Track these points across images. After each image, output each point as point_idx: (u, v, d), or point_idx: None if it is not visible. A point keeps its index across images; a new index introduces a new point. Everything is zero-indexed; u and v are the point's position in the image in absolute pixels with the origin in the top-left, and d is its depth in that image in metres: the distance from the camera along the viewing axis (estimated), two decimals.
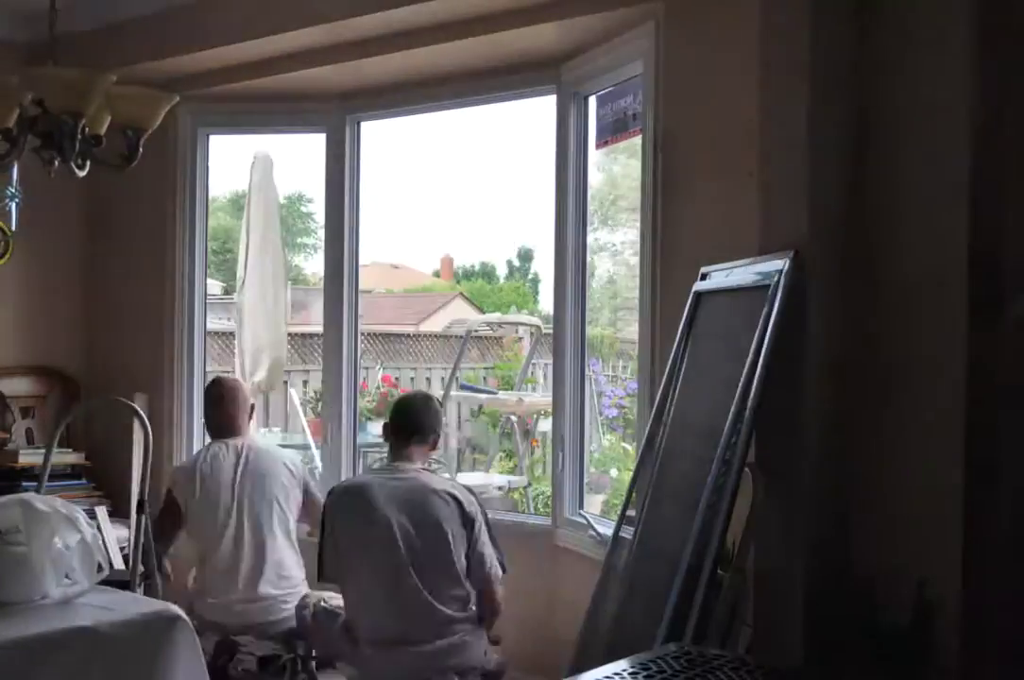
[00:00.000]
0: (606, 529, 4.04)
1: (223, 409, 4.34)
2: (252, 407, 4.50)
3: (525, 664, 4.39)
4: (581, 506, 4.40)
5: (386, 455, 3.96)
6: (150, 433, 4.00)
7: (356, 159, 5.16)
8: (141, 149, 3.32)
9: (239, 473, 4.19)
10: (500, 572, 3.74)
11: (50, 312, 5.43)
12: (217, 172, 5.45)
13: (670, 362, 3.35)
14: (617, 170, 4.75)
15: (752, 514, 2.82)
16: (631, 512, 3.56)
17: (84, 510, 3.83)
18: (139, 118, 3.27)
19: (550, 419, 4.72)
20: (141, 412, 4.10)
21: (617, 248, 4.90)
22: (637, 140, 3.99)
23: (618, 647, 3.19)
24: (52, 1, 3.56)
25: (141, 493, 4.04)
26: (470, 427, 8.26)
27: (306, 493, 4.29)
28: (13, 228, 4.75)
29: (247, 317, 6.43)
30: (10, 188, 4.01)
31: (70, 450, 5.24)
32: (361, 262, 5.23)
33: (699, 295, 3.30)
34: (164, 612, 3.32)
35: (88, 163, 3.30)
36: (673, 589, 2.84)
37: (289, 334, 7.20)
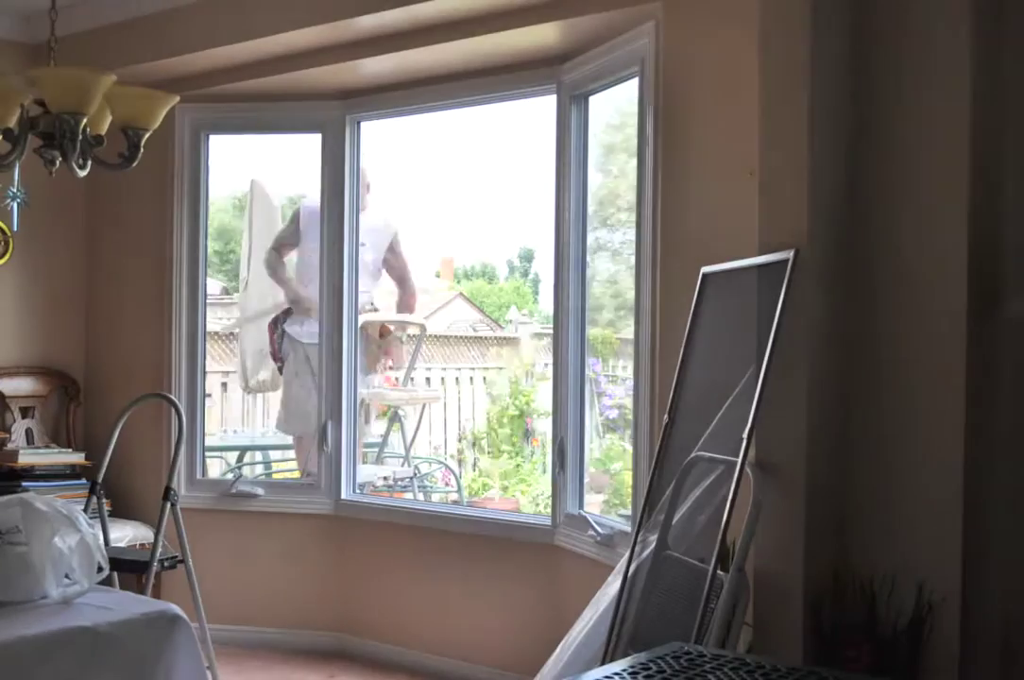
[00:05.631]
0: (606, 529, 4.04)
1: None
2: None
3: (525, 664, 4.39)
4: (581, 506, 4.40)
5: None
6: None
7: (356, 159, 5.16)
8: (142, 149, 3.32)
9: None
10: None
11: (50, 312, 5.44)
12: (217, 172, 5.44)
13: (678, 366, 3.34)
14: (620, 169, 4.74)
15: (752, 514, 2.82)
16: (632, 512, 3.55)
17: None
18: (140, 118, 3.27)
19: (550, 419, 4.72)
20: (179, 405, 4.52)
21: (618, 248, 4.89)
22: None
23: (621, 647, 3.20)
24: (52, 1, 3.56)
25: (169, 479, 4.35)
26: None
27: None
28: (14, 228, 4.75)
29: (250, 317, 6.44)
30: (12, 188, 4.01)
31: (70, 450, 5.24)
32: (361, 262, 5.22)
33: (701, 296, 3.30)
34: (164, 612, 3.32)
35: (89, 163, 3.31)
36: (683, 590, 2.84)
37: None
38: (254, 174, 6.47)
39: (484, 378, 9.51)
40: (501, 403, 8.85)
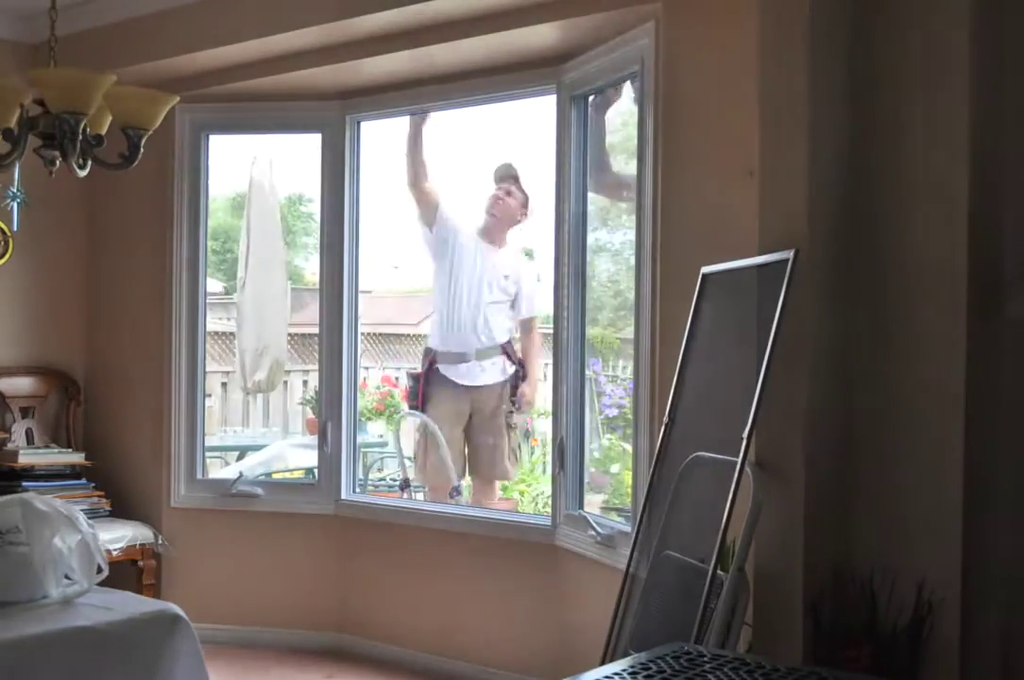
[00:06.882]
0: (606, 529, 4.04)
1: None
2: None
3: (524, 664, 4.39)
4: (581, 506, 4.40)
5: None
6: None
7: (356, 159, 5.16)
8: (142, 149, 3.32)
9: None
10: None
11: (50, 312, 5.43)
12: (217, 172, 5.44)
13: (678, 366, 3.34)
14: (621, 169, 4.75)
15: (752, 514, 2.82)
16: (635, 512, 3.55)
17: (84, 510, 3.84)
18: (140, 118, 3.27)
19: (550, 419, 4.72)
20: None
21: (618, 248, 4.90)
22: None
23: (621, 647, 3.20)
24: (52, 1, 3.56)
25: None
26: None
27: None
28: (14, 228, 4.75)
29: (247, 317, 6.44)
30: (12, 188, 4.01)
31: (70, 450, 5.24)
32: (361, 262, 5.22)
33: (701, 296, 3.30)
34: (164, 612, 3.33)
35: (89, 163, 3.31)
36: (684, 591, 2.84)
37: (289, 334, 7.21)
38: (254, 174, 6.47)
39: None
40: None
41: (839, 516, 2.84)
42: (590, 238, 4.52)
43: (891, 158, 2.82)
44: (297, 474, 6.59)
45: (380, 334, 9.85)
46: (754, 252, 3.01)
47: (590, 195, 4.50)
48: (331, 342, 5.16)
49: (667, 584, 3.06)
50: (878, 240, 2.83)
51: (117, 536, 4.88)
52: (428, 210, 5.89)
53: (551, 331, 4.60)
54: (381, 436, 7.82)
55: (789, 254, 2.81)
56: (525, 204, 5.89)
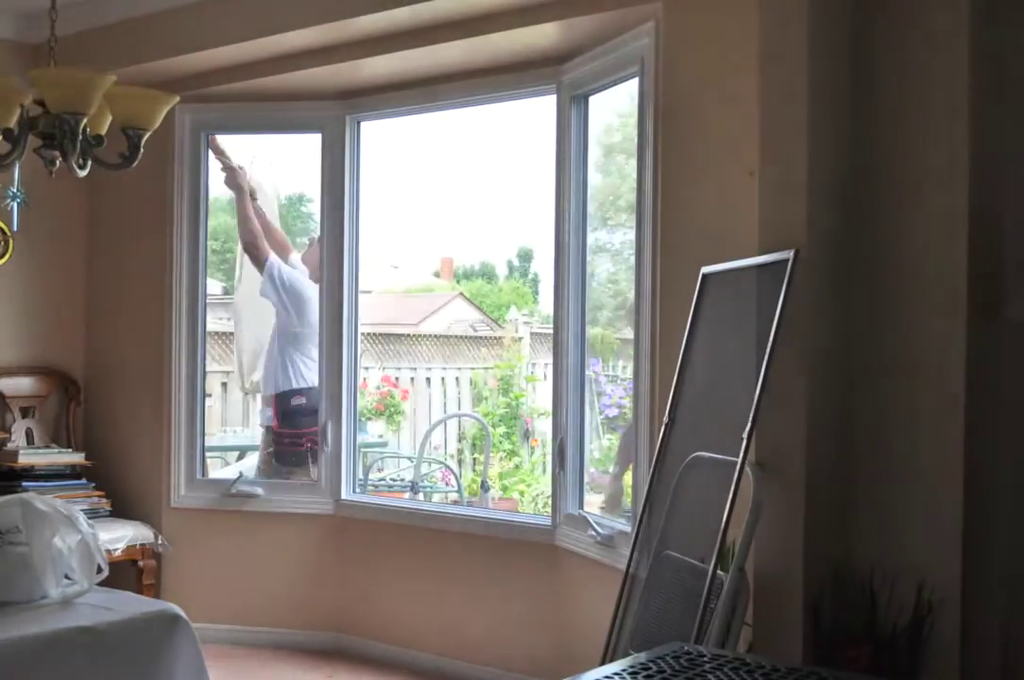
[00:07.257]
0: (606, 529, 4.04)
1: None
2: None
3: (524, 664, 4.39)
4: (581, 506, 4.40)
5: None
6: None
7: (356, 159, 5.16)
8: (142, 149, 3.32)
9: None
10: None
11: (50, 312, 5.43)
12: (217, 172, 5.44)
13: (678, 366, 3.34)
14: (618, 170, 4.75)
15: (752, 514, 2.82)
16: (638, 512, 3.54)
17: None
18: (140, 118, 3.27)
19: (550, 419, 4.72)
20: None
21: (618, 248, 4.90)
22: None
23: (621, 647, 3.20)
24: (52, 1, 3.56)
25: None
26: None
27: None
28: (14, 228, 4.75)
29: (245, 317, 6.44)
30: (12, 188, 4.02)
31: (70, 450, 5.24)
32: (361, 262, 5.22)
33: (701, 296, 3.30)
34: (164, 612, 3.33)
35: (89, 163, 3.30)
36: (684, 591, 2.85)
37: None
38: (254, 174, 6.47)
39: (468, 378, 9.53)
40: (494, 401, 8.89)
41: (839, 516, 2.84)
42: (590, 238, 4.52)
43: (891, 158, 2.82)
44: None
45: (380, 334, 9.86)
46: (754, 252, 3.01)
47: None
48: (331, 342, 5.16)
49: (667, 584, 3.06)
50: (878, 240, 2.83)
51: (117, 536, 4.88)
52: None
53: (551, 331, 4.60)
54: (381, 436, 7.84)
55: (789, 254, 2.81)
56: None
